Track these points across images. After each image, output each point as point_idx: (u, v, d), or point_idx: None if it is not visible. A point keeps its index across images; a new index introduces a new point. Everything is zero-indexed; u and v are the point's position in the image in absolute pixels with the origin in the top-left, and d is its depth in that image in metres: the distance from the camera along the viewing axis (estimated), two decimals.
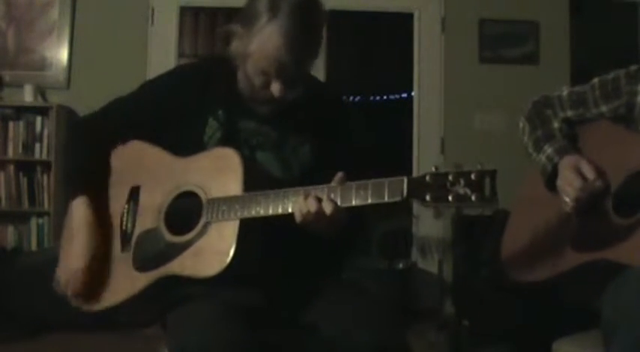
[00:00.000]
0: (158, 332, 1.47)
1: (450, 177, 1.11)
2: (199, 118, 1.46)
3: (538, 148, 1.63)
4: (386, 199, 1.18)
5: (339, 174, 1.24)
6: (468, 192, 1.10)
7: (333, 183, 1.24)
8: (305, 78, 1.42)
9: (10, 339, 2.98)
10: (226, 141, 1.43)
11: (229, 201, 1.31)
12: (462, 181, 1.10)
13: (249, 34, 1.34)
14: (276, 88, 1.35)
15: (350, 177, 1.24)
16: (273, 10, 1.31)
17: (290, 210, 1.26)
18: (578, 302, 1.58)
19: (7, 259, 3.44)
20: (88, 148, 1.53)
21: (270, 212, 1.27)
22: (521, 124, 1.74)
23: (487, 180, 1.09)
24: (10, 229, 3.73)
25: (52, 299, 1.46)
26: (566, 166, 1.53)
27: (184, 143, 1.45)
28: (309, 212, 1.22)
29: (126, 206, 1.46)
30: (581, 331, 1.58)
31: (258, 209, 1.28)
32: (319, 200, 1.22)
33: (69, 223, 1.48)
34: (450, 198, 1.11)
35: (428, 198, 1.13)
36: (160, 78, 1.57)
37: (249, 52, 1.35)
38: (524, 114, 1.74)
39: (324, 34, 1.39)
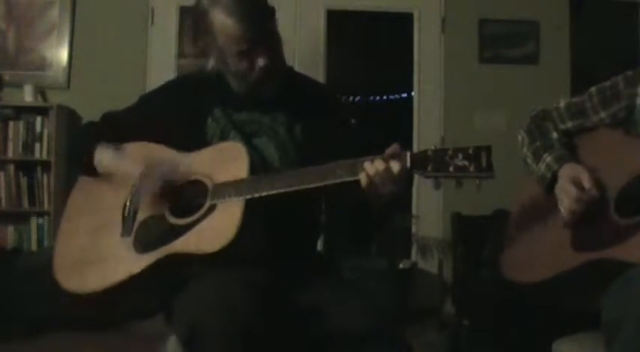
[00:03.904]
0: (158, 333, 1.47)
1: (450, 152, 1.22)
2: (199, 122, 1.51)
3: (537, 158, 1.64)
4: None
5: (394, 145, 1.29)
6: (466, 163, 1.20)
7: (387, 152, 1.28)
8: (278, 40, 1.48)
9: (10, 339, 2.99)
10: (224, 133, 1.49)
11: (235, 184, 1.34)
12: (460, 155, 1.20)
13: (212, 36, 1.42)
14: (260, 61, 1.42)
15: (344, 150, 1.31)
16: (212, 4, 1.40)
17: (317, 184, 1.28)
18: (577, 303, 1.58)
19: (7, 259, 3.44)
20: (96, 134, 1.57)
21: (285, 189, 1.30)
22: (520, 137, 1.75)
23: (483, 154, 1.20)
24: (10, 229, 3.73)
25: (52, 299, 1.46)
26: (565, 176, 1.54)
27: (189, 146, 1.48)
28: (377, 172, 1.25)
29: (129, 197, 1.47)
30: (581, 331, 1.58)
31: (263, 189, 1.31)
32: (386, 160, 1.26)
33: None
34: (450, 168, 1.21)
35: (430, 168, 1.23)
36: (156, 91, 1.64)
37: (221, 50, 1.42)
38: (523, 128, 1.75)
39: None
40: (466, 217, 3.71)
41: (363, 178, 1.27)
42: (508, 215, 1.76)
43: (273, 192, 1.31)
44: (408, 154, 1.26)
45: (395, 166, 1.25)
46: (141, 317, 1.47)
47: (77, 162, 1.56)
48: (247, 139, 1.48)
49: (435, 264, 3.92)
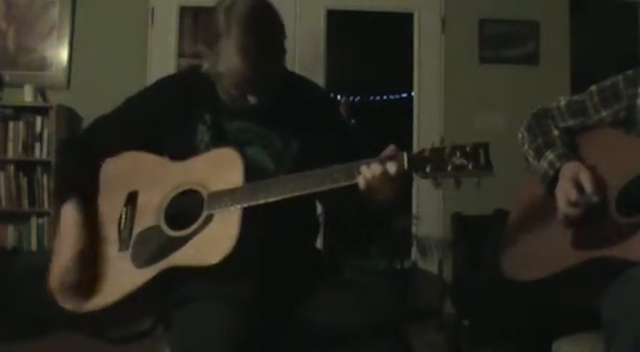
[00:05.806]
0: (158, 333, 1.46)
1: (447, 150, 1.21)
2: (188, 126, 1.48)
3: (539, 155, 1.63)
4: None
5: (391, 147, 1.27)
6: (465, 161, 1.19)
7: (383, 154, 1.27)
8: (280, 78, 1.43)
9: (10, 339, 2.98)
10: (215, 141, 1.45)
11: (231, 192, 1.33)
12: (458, 153, 1.20)
13: (215, 54, 1.36)
14: (251, 98, 1.39)
15: (342, 159, 1.29)
16: (228, 27, 1.32)
17: (313, 190, 1.27)
18: (578, 302, 1.58)
19: (7, 259, 3.44)
20: (76, 161, 1.55)
21: (282, 196, 1.29)
22: (520, 135, 1.74)
23: (481, 151, 1.19)
24: (10, 229, 3.73)
25: (52, 299, 1.45)
26: (566, 176, 1.53)
27: (177, 152, 1.46)
28: (374, 175, 1.24)
29: (124, 209, 1.45)
30: (581, 331, 1.58)
31: (260, 197, 1.30)
32: (382, 163, 1.25)
33: (59, 228, 1.46)
34: (448, 168, 1.20)
35: (428, 169, 1.22)
36: (144, 92, 1.59)
37: (219, 72, 1.37)
38: (523, 126, 1.75)
39: (284, 30, 1.40)
40: (466, 217, 3.71)
41: (360, 182, 1.26)
42: (508, 215, 1.75)
43: (271, 199, 1.29)
44: (405, 155, 1.25)
45: (392, 168, 1.24)
46: (135, 338, 1.44)
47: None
48: (241, 148, 1.43)
49: (435, 264, 3.92)
